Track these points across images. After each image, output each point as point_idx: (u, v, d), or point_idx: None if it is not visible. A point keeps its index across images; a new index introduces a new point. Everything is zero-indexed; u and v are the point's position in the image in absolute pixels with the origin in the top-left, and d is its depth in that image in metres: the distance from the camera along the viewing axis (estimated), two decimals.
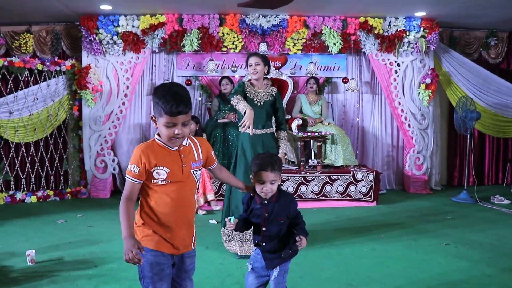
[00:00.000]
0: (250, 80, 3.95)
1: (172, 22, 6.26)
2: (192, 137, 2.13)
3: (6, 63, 6.05)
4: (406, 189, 6.94)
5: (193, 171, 2.04)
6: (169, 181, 1.95)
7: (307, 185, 5.76)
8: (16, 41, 6.59)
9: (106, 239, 4.31)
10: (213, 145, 6.01)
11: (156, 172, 1.93)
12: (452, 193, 6.64)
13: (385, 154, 7.16)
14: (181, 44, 6.40)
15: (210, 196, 5.45)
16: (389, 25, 6.53)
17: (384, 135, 7.15)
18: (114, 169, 6.57)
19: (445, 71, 6.92)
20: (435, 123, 6.99)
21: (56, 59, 6.41)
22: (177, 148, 1.97)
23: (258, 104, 3.86)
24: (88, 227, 4.79)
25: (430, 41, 6.58)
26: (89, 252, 3.91)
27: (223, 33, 6.39)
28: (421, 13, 6.38)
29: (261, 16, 6.36)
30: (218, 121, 6.18)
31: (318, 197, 5.78)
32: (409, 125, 6.81)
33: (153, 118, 1.94)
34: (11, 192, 6.13)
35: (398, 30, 6.53)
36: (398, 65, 6.80)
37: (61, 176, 6.54)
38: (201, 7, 6.11)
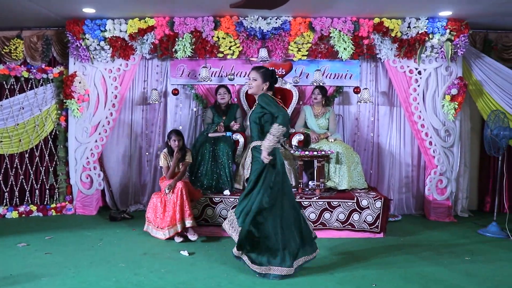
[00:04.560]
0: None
1: (162, 25, 5.71)
2: None
3: None
4: (427, 215, 5.99)
5: None
6: None
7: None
8: (6, 47, 6.26)
9: (53, 272, 3.76)
10: (199, 164, 5.35)
11: None
12: (481, 222, 5.67)
13: (403, 175, 6.22)
14: (173, 49, 5.83)
15: (189, 223, 4.74)
16: (409, 27, 5.65)
17: (402, 153, 6.22)
18: (99, 185, 6.10)
19: (476, 79, 5.90)
20: (463, 140, 6.02)
21: (43, 66, 6.04)
22: None
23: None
24: (45, 254, 4.30)
25: (458, 45, 5.64)
26: None
27: (218, 37, 5.76)
28: (446, 13, 5.46)
29: (260, 18, 5.67)
30: (209, 135, 5.55)
31: (315, 226, 4.99)
32: (430, 143, 5.86)
33: None
34: None
35: (420, 32, 5.63)
36: (420, 73, 5.89)
37: (47, 191, 6.14)
38: (194, 9, 5.51)
